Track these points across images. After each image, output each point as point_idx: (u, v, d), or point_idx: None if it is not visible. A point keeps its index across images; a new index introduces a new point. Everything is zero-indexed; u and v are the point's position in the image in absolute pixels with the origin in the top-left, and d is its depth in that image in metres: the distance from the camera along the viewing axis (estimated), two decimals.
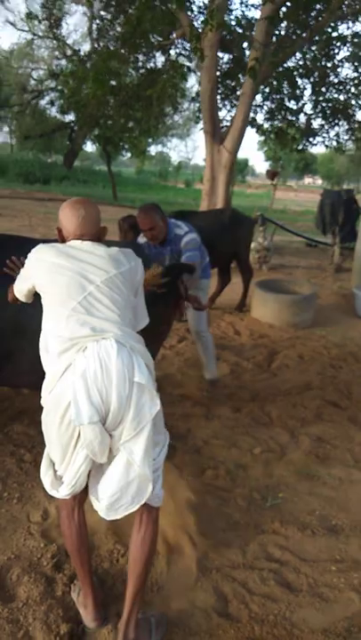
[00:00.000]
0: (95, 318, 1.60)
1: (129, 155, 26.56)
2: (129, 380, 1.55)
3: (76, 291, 1.62)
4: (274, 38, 9.83)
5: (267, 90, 12.00)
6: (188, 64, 11.52)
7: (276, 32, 10.22)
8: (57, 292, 1.64)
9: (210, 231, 5.38)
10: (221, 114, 11.47)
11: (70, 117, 22.60)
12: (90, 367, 1.53)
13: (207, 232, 5.35)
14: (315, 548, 2.31)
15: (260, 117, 12.68)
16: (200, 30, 8.25)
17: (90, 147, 30.68)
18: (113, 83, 11.92)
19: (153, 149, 46.62)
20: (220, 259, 5.69)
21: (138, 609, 1.75)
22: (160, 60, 12.85)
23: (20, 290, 1.83)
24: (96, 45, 12.82)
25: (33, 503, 2.46)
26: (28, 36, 21.35)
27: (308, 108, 12.52)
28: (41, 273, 1.68)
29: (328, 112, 12.20)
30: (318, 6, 9.25)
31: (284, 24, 10.23)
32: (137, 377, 1.56)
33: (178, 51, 12.41)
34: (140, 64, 12.46)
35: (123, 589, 1.88)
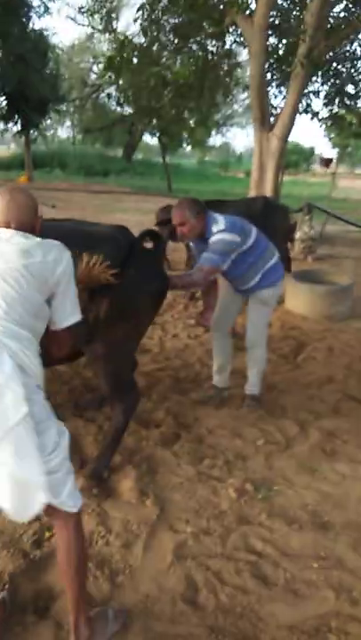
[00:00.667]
0: None
1: (189, 146, 26.66)
2: None
3: None
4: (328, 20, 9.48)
5: (322, 74, 11.60)
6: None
7: (332, 13, 9.85)
8: None
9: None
10: (276, 101, 11.24)
11: (130, 110, 22.87)
12: None
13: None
14: (299, 544, 2.24)
15: (317, 104, 12.31)
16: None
17: (150, 139, 30.92)
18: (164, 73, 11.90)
19: (215, 140, 46.42)
20: None
21: (83, 610, 1.69)
22: (214, 48, 12.79)
23: None
24: (147, 36, 12.80)
25: None
26: (88, 30, 21.78)
27: None
28: None
29: None
30: None
31: (342, 4, 9.85)
32: None
33: (233, 38, 12.27)
34: (193, 53, 12.35)
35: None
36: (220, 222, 3.01)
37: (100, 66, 24.35)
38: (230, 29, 11.36)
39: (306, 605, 1.94)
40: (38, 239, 1.72)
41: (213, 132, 33.06)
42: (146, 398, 3.49)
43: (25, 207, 1.75)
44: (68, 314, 1.78)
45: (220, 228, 2.99)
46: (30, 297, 1.62)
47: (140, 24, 11.18)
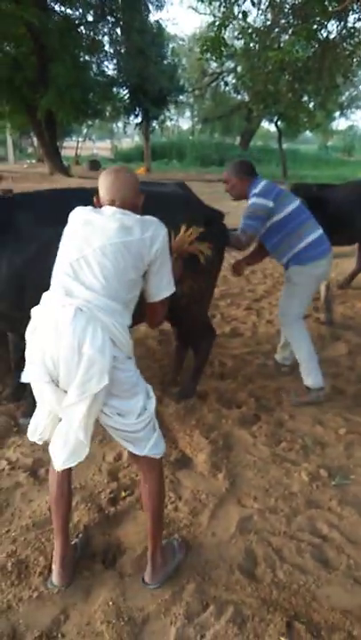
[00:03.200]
0: (77, 282, 1.67)
1: (307, 131, 25.74)
2: (78, 350, 1.57)
3: (75, 252, 1.71)
4: None
5: None
6: None
7: None
8: (62, 253, 1.77)
9: (348, 204, 5.10)
10: None
11: (247, 97, 22.66)
12: (47, 331, 1.61)
13: (345, 205, 5.09)
14: None
15: None
16: None
17: (268, 125, 30.34)
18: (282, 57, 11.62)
19: (338, 123, 44.17)
20: (360, 234, 5.35)
21: (159, 542, 1.93)
22: (334, 28, 12.21)
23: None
24: (267, 19, 12.57)
25: (111, 445, 2.75)
26: (210, 19, 21.83)
27: None
28: (64, 234, 1.82)
29: None
30: None
31: None
32: (86, 348, 1.57)
33: (357, 15, 11.62)
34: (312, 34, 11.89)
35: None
36: (257, 187, 3.09)
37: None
38: (354, 6, 10.78)
39: None
40: (138, 216, 1.81)
41: (336, 115, 31.59)
42: (231, 379, 3.56)
43: (128, 185, 1.86)
44: (163, 288, 1.89)
45: (254, 192, 3.08)
46: (127, 272, 1.72)
47: (259, 7, 11.01)
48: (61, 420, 1.71)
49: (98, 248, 1.69)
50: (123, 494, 2.41)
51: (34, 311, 1.72)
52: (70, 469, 1.88)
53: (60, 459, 1.70)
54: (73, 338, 1.57)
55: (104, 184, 1.86)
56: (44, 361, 1.62)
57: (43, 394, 1.69)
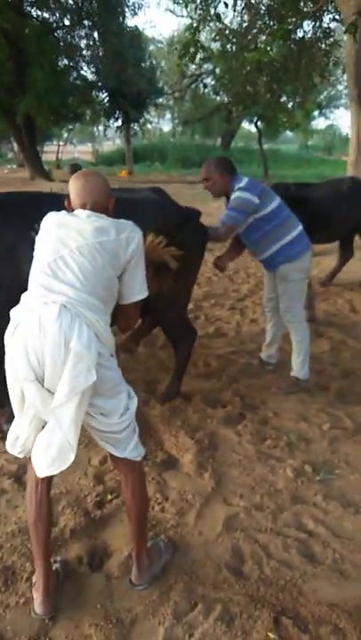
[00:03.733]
0: (56, 281, 1.67)
1: (288, 131, 25.95)
2: (64, 346, 1.56)
3: (51, 252, 1.73)
4: None
5: None
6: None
7: None
8: (39, 255, 1.78)
9: (326, 202, 5.15)
10: None
11: (226, 98, 22.79)
12: (31, 328, 1.59)
13: (324, 203, 5.15)
14: (353, 527, 2.21)
15: None
16: None
17: (248, 126, 30.52)
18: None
19: (318, 123, 44.57)
20: (340, 232, 5.41)
21: (144, 543, 1.93)
22: (309, 28, 12.33)
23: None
24: (244, 21, 12.66)
25: (97, 449, 2.74)
26: (187, 21, 21.91)
27: None
28: (39, 238, 1.83)
29: None
30: None
31: None
32: (73, 344, 1.56)
33: (331, 16, 11.76)
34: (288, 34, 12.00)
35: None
36: (242, 181, 3.12)
37: (200, 56, 24.49)
38: (329, 7, 10.90)
39: (351, 586, 1.92)
40: (112, 219, 1.84)
41: (316, 115, 31.86)
42: (215, 379, 3.58)
43: (98, 189, 1.89)
44: (137, 290, 1.90)
45: (239, 186, 3.10)
46: (105, 270, 1.75)
47: (235, 8, 11.09)
48: (45, 425, 1.67)
49: (75, 248, 1.72)
50: (109, 497, 2.40)
51: (13, 312, 1.71)
52: (49, 490, 1.84)
53: (44, 464, 1.63)
54: (59, 334, 1.56)
55: (74, 188, 1.89)
56: (29, 358, 1.59)
57: (27, 394, 1.63)
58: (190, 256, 2.72)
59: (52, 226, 1.80)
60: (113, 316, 1.87)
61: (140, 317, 2.54)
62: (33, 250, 1.85)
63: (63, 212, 1.88)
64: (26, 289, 1.78)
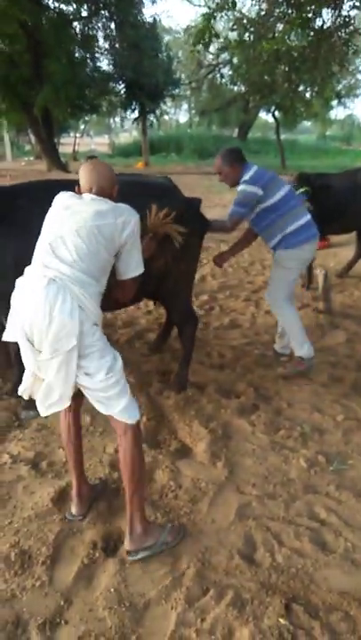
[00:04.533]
0: (54, 258, 1.88)
1: (306, 121, 25.63)
2: (49, 314, 1.78)
3: (53, 232, 1.93)
4: None
5: None
6: None
7: None
8: (44, 233, 1.99)
9: (341, 193, 5.12)
10: None
11: (244, 88, 22.53)
12: (23, 297, 1.85)
13: (339, 194, 5.11)
14: None
15: None
16: None
17: (266, 116, 30.18)
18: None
19: (337, 112, 43.88)
20: (356, 222, 5.35)
21: (137, 509, 2.01)
22: (328, 16, 12.11)
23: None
24: (262, 9, 12.49)
25: (112, 437, 2.78)
26: (204, 10, 21.70)
27: None
28: (47, 216, 2.04)
29: None
30: None
31: None
32: (56, 312, 1.78)
33: (351, 3, 11.54)
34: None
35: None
36: (247, 173, 3.18)
37: (217, 47, 24.26)
38: None
39: None
40: (113, 203, 2.01)
41: (334, 104, 31.38)
42: (230, 370, 3.59)
43: (104, 176, 2.09)
44: (133, 268, 2.12)
45: (245, 179, 3.17)
46: (99, 252, 1.93)
47: None
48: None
49: (75, 230, 1.90)
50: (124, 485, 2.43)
51: (17, 281, 1.94)
52: (76, 418, 2.21)
53: (43, 405, 1.94)
54: (45, 303, 1.78)
55: (83, 174, 2.09)
56: (22, 323, 1.83)
57: (22, 350, 1.88)
58: (192, 241, 2.91)
59: (60, 207, 1.99)
60: (110, 287, 2.10)
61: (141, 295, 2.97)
62: None
63: (71, 193, 2.06)
64: None
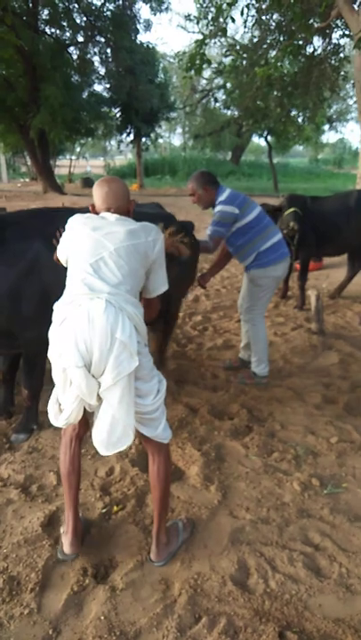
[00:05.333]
0: (98, 279, 1.84)
1: (298, 145, 26.03)
2: (111, 336, 1.75)
3: (92, 254, 1.89)
4: None
5: None
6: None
7: None
8: (78, 255, 1.92)
9: (334, 216, 5.19)
10: None
11: (237, 112, 22.94)
12: (80, 321, 1.77)
13: (331, 217, 5.17)
14: (360, 541, 2.18)
15: None
16: None
17: (258, 140, 30.68)
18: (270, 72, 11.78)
19: (328, 137, 44.60)
20: (348, 244, 5.42)
21: (164, 521, 2.08)
22: (319, 44, 12.44)
23: (60, 255, 2.12)
24: (254, 36, 12.81)
25: (103, 461, 2.75)
26: (198, 37, 22.20)
27: None
28: (70, 238, 2.00)
29: None
30: None
31: None
32: (118, 334, 1.76)
33: (341, 32, 11.84)
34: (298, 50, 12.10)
35: None
36: (223, 194, 3.28)
37: (210, 72, 24.75)
38: (338, 22, 11.00)
39: (357, 601, 1.90)
40: (139, 223, 2.03)
41: (326, 129, 31.98)
42: (223, 391, 3.57)
43: (121, 194, 2.08)
44: (160, 284, 2.12)
45: (220, 200, 3.27)
46: (138, 270, 1.95)
47: (245, 24, 11.21)
48: (94, 407, 1.89)
49: (114, 250, 1.89)
50: (115, 509, 2.40)
51: (57, 305, 1.90)
52: (80, 447, 2.13)
53: (108, 442, 1.84)
54: (107, 325, 1.75)
55: (99, 194, 2.07)
56: (78, 347, 1.76)
57: (74, 379, 1.80)
58: (188, 263, 3.01)
59: (86, 228, 1.95)
60: None
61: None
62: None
63: (90, 214, 2.05)
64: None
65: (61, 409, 1.95)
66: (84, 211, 2.33)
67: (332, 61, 12.15)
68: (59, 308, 1.89)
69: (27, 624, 1.81)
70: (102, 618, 1.82)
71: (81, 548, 2.12)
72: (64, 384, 1.88)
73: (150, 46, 18.94)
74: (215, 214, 3.32)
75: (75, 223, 2.02)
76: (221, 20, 11.40)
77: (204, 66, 10.09)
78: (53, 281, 2.54)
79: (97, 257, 1.88)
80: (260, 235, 3.41)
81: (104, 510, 2.39)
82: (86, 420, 2.06)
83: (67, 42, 17.48)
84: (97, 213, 2.08)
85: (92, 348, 1.75)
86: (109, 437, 1.83)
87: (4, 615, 1.84)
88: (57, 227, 2.35)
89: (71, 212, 2.49)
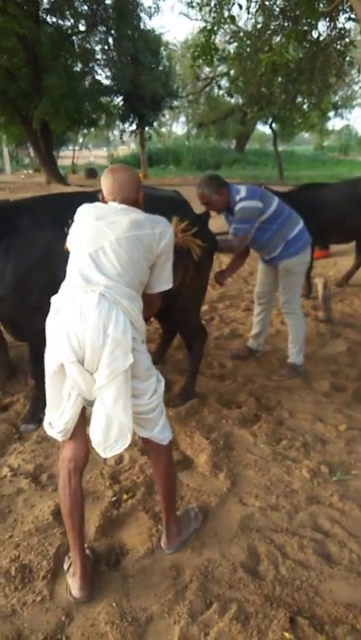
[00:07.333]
0: (96, 271, 1.78)
1: (303, 132, 25.80)
2: (103, 332, 1.69)
3: (92, 243, 1.83)
4: None
5: None
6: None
7: None
8: (78, 244, 1.88)
9: (340, 204, 5.14)
10: None
11: (241, 100, 22.72)
12: (72, 315, 1.72)
13: (337, 205, 5.13)
14: None
15: None
16: None
17: (263, 128, 30.39)
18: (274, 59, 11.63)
19: (334, 123, 44.19)
20: (354, 233, 5.37)
21: (173, 513, 2.08)
22: (324, 29, 12.26)
23: (68, 245, 2.05)
24: (258, 22, 12.63)
25: None
26: (201, 24, 21.92)
27: None
28: (75, 228, 1.96)
29: None
30: None
31: None
32: (110, 330, 1.69)
33: (347, 15, 11.67)
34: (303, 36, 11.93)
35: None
36: (241, 191, 3.19)
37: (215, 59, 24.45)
38: (344, 6, 10.83)
39: None
40: (146, 214, 1.96)
41: (331, 115, 31.62)
42: (231, 380, 3.57)
43: (128, 184, 1.99)
44: (163, 282, 2.04)
45: (241, 197, 3.17)
46: (139, 262, 1.87)
47: (248, 10, 11.05)
48: (90, 407, 1.82)
49: (114, 240, 1.82)
50: (125, 497, 2.41)
51: (54, 298, 1.85)
52: (81, 479, 1.93)
53: (105, 445, 1.77)
54: (98, 321, 1.70)
55: (105, 184, 2.00)
56: (70, 342, 1.71)
57: (69, 374, 1.75)
58: (203, 257, 2.80)
59: (89, 217, 1.91)
60: None
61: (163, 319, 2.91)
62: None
63: (97, 203, 1.99)
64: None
65: (57, 415, 1.85)
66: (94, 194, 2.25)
67: (338, 46, 11.97)
68: (54, 299, 1.85)
69: (39, 611, 1.83)
70: (114, 604, 1.84)
71: (92, 588, 1.88)
72: (59, 383, 1.81)
73: (153, 34, 18.73)
74: (238, 212, 3.19)
75: (81, 211, 1.99)
76: (226, 6, 11.27)
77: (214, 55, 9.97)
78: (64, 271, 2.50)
79: (97, 246, 1.82)
80: (287, 223, 3.35)
81: (114, 498, 2.40)
82: (87, 451, 1.91)
83: (68, 31, 17.31)
84: (105, 202, 2.03)
85: (84, 343, 1.71)
86: (106, 438, 1.77)
87: (17, 602, 1.86)
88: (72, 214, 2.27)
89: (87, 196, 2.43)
